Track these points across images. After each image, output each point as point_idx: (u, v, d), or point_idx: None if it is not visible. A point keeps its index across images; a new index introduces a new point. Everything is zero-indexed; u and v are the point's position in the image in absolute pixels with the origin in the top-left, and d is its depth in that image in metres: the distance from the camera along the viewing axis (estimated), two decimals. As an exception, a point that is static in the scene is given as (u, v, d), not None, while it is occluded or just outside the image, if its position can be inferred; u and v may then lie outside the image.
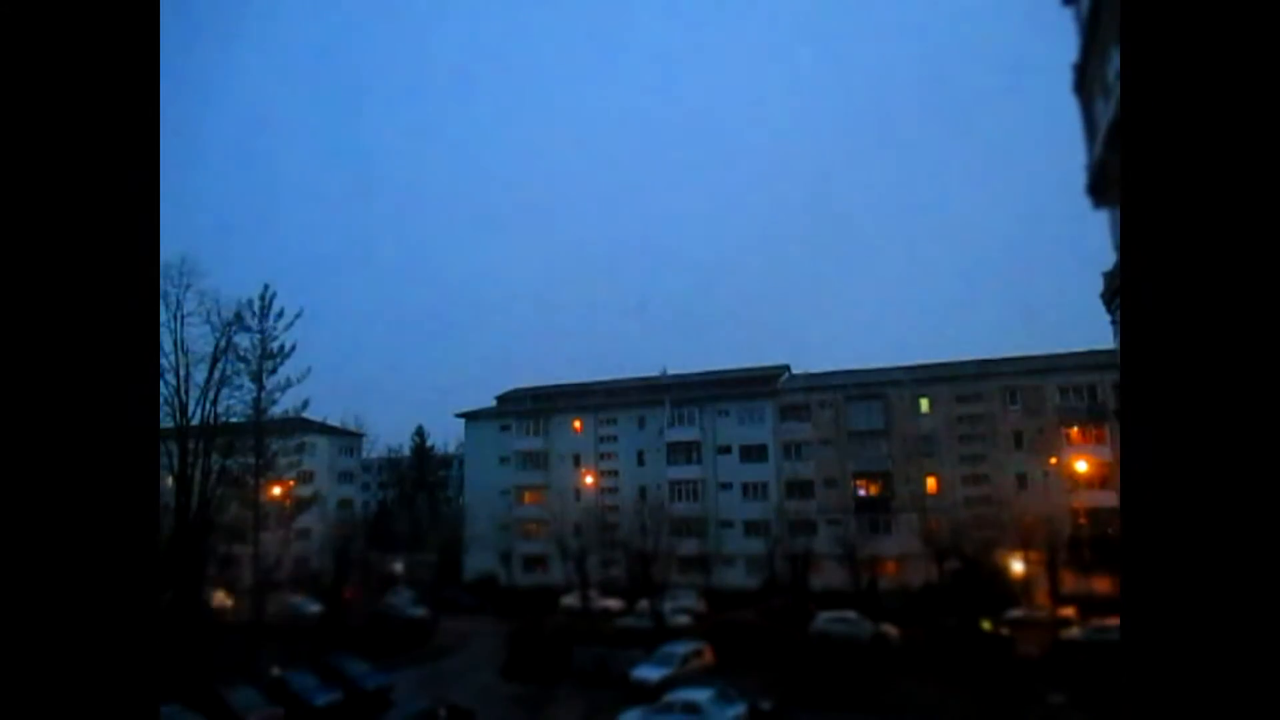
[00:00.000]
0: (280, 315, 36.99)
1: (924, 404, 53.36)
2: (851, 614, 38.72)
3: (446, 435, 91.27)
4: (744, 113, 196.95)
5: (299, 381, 37.16)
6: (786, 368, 63.13)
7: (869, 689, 27.27)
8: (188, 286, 34.33)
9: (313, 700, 27.29)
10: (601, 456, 61.42)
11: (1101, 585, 39.99)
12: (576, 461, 61.64)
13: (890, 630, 36.93)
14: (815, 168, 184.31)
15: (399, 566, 64.08)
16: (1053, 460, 49.02)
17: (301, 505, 50.94)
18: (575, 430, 62.66)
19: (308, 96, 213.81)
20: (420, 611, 47.43)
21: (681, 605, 45.19)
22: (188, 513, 34.09)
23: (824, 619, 38.67)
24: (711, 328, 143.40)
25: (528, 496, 62.95)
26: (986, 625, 36.76)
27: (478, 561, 61.72)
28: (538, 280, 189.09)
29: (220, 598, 42.21)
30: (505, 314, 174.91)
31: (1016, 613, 40.08)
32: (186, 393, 34.79)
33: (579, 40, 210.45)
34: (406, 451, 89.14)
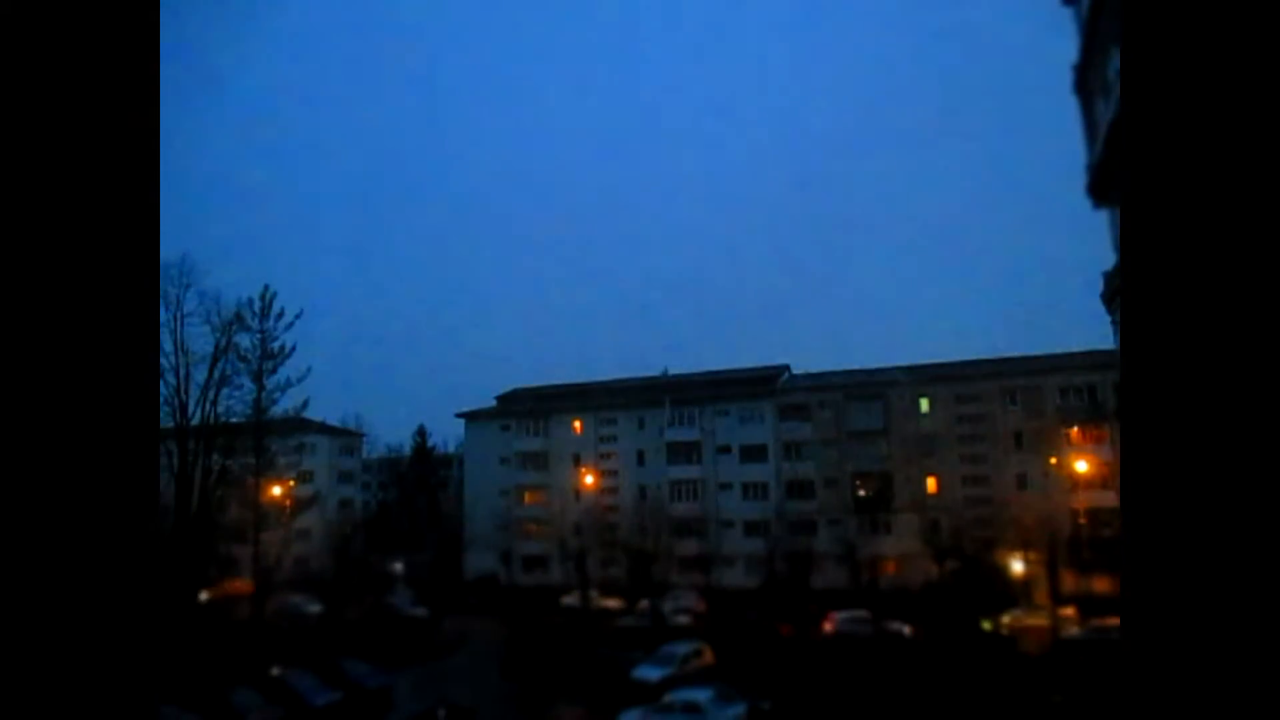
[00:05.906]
0: (280, 315, 37.04)
1: (924, 404, 53.34)
2: (850, 613, 38.77)
3: (447, 435, 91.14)
4: (745, 112, 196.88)
5: (299, 381, 37.19)
6: (786, 368, 63.09)
7: (867, 688, 27.26)
8: (188, 286, 34.32)
9: (313, 700, 27.22)
10: (601, 456, 61.35)
11: (1101, 585, 39.98)
12: (576, 461, 61.57)
13: (890, 629, 36.94)
14: (816, 167, 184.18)
15: (399, 566, 64.04)
16: (1053, 460, 48.98)
17: (301, 505, 50.85)
18: (575, 430, 62.60)
19: (309, 96, 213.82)
20: (421, 611, 47.48)
21: (681, 605, 45.20)
22: (188, 513, 34.05)
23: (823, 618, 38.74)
24: (711, 328, 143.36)
25: (528, 496, 62.95)
26: (986, 625, 36.76)
27: (478, 561, 61.68)
28: (538, 280, 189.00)
29: (237, 585, 41.47)
30: (505, 314, 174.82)
31: (1016, 613, 40.08)
32: (186, 393, 34.79)
33: (579, 39, 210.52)
34: (407, 451, 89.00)
